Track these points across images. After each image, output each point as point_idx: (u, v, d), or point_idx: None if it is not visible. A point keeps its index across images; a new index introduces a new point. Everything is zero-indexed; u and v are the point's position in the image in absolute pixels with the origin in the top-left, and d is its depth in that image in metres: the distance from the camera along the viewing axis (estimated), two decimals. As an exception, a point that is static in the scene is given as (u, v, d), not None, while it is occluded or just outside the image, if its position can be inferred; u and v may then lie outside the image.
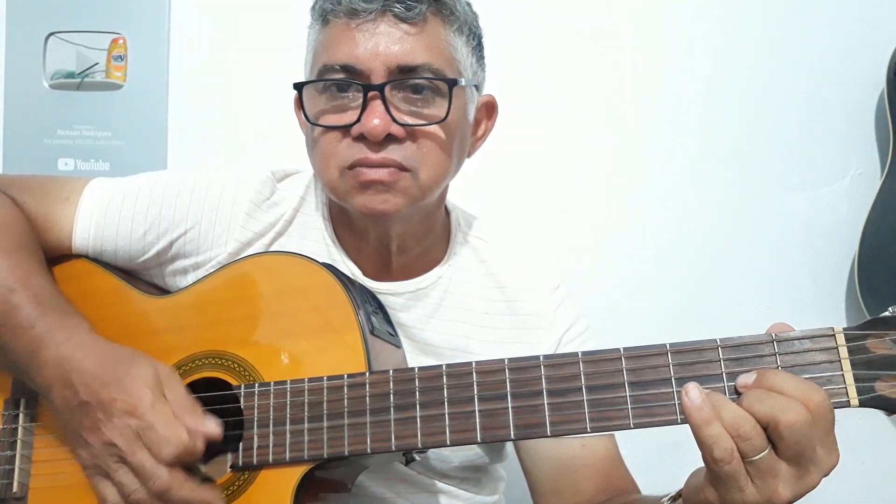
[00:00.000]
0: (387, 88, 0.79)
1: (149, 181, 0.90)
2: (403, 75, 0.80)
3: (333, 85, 0.82)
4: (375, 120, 0.78)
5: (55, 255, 0.88)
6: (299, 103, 0.86)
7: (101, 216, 0.87)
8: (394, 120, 0.79)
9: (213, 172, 0.91)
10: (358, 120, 0.79)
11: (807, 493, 0.61)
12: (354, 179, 0.81)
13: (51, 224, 0.87)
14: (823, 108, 1.50)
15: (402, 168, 0.81)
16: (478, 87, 0.90)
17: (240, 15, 1.47)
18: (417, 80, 0.81)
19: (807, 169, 1.50)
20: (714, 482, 0.61)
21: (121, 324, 0.83)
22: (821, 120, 1.50)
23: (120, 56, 1.47)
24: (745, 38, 1.50)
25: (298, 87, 0.85)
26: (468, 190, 1.04)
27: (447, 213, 0.97)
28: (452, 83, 0.82)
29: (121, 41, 1.47)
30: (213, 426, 0.69)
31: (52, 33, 1.46)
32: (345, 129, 0.81)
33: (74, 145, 1.47)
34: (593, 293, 1.41)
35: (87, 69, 1.47)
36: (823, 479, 0.61)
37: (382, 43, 0.80)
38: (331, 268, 0.80)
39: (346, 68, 0.80)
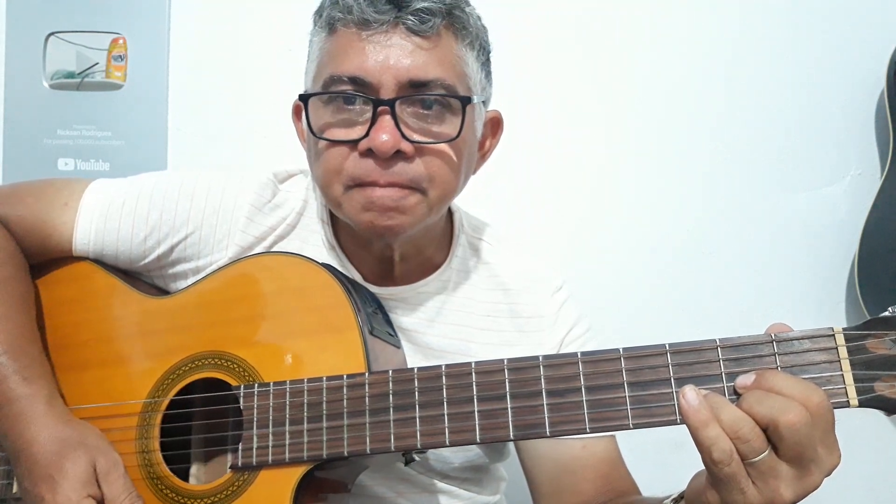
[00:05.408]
0: (397, 104, 0.76)
1: (149, 183, 0.89)
2: (415, 90, 0.77)
3: (340, 97, 0.78)
4: (385, 136, 0.75)
5: (56, 258, 0.88)
6: (299, 114, 0.83)
7: (101, 221, 0.87)
8: (404, 136, 0.76)
9: (214, 175, 0.90)
10: (366, 135, 0.76)
11: (809, 493, 0.60)
12: (361, 198, 0.78)
13: (50, 230, 0.86)
14: (823, 108, 1.50)
15: (410, 189, 0.78)
16: (485, 103, 0.87)
17: (240, 15, 1.47)
18: (430, 97, 0.77)
19: (807, 169, 1.50)
20: (715, 484, 0.61)
21: (121, 324, 0.83)
22: (821, 120, 1.50)
23: (120, 56, 1.47)
24: (744, 39, 1.49)
25: (304, 98, 0.81)
26: (468, 190, 1.03)
27: (450, 213, 0.96)
28: (466, 101, 0.79)
29: (121, 41, 1.47)
30: None
31: (52, 33, 1.46)
32: (351, 144, 0.78)
33: (74, 145, 1.47)
34: (594, 293, 1.41)
35: (87, 69, 1.47)
36: (825, 479, 0.60)
37: (393, 56, 0.76)
38: (330, 268, 0.79)
39: (354, 80, 0.77)
